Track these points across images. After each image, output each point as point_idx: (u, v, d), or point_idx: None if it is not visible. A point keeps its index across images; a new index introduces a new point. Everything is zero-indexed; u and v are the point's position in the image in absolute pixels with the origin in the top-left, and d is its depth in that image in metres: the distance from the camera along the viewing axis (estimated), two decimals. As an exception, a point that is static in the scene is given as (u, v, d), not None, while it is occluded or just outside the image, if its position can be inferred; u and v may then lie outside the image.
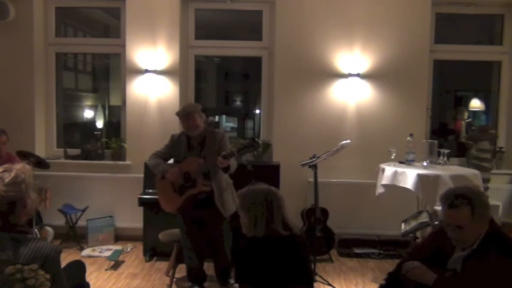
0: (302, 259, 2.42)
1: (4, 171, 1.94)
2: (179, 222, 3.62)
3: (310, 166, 4.28)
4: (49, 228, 4.74)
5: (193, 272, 3.66)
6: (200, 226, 3.57)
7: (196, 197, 3.43)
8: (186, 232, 3.59)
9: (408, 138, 4.16)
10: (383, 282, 2.43)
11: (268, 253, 2.36)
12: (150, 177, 4.44)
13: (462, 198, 2.10)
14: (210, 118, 6.24)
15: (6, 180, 1.90)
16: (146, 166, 4.50)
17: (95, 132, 5.70)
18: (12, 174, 1.92)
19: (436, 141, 4.18)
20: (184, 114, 3.46)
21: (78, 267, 2.61)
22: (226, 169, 3.35)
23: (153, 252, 4.43)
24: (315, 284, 3.59)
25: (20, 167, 1.98)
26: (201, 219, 3.54)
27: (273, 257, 2.35)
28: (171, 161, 3.68)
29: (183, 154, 3.52)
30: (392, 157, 4.20)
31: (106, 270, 4.13)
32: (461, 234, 2.12)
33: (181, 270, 3.94)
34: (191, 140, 3.53)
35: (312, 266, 2.53)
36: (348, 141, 4.12)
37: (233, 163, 3.38)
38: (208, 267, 3.82)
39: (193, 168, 3.40)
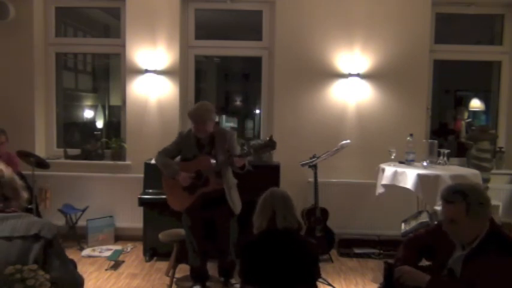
0: (312, 260, 2.45)
1: None
2: (184, 221, 3.60)
3: (310, 166, 4.29)
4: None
5: (196, 271, 3.67)
6: (208, 225, 3.58)
7: (208, 195, 3.45)
8: (192, 231, 3.58)
9: (408, 138, 4.16)
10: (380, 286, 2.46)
11: (278, 249, 2.40)
12: (150, 177, 4.44)
13: (458, 194, 2.12)
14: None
15: None
16: (146, 166, 4.51)
17: (95, 132, 5.70)
18: None
19: (436, 141, 4.18)
20: (196, 117, 3.41)
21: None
22: (242, 168, 3.42)
23: (153, 252, 4.42)
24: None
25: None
26: (210, 217, 3.55)
27: (282, 254, 2.38)
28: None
29: (193, 152, 3.50)
30: (392, 157, 4.20)
31: (106, 270, 4.13)
32: (455, 229, 2.15)
33: (181, 270, 3.95)
34: (201, 139, 3.51)
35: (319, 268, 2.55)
36: (348, 141, 4.13)
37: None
38: (209, 267, 3.80)
39: (205, 167, 3.41)
